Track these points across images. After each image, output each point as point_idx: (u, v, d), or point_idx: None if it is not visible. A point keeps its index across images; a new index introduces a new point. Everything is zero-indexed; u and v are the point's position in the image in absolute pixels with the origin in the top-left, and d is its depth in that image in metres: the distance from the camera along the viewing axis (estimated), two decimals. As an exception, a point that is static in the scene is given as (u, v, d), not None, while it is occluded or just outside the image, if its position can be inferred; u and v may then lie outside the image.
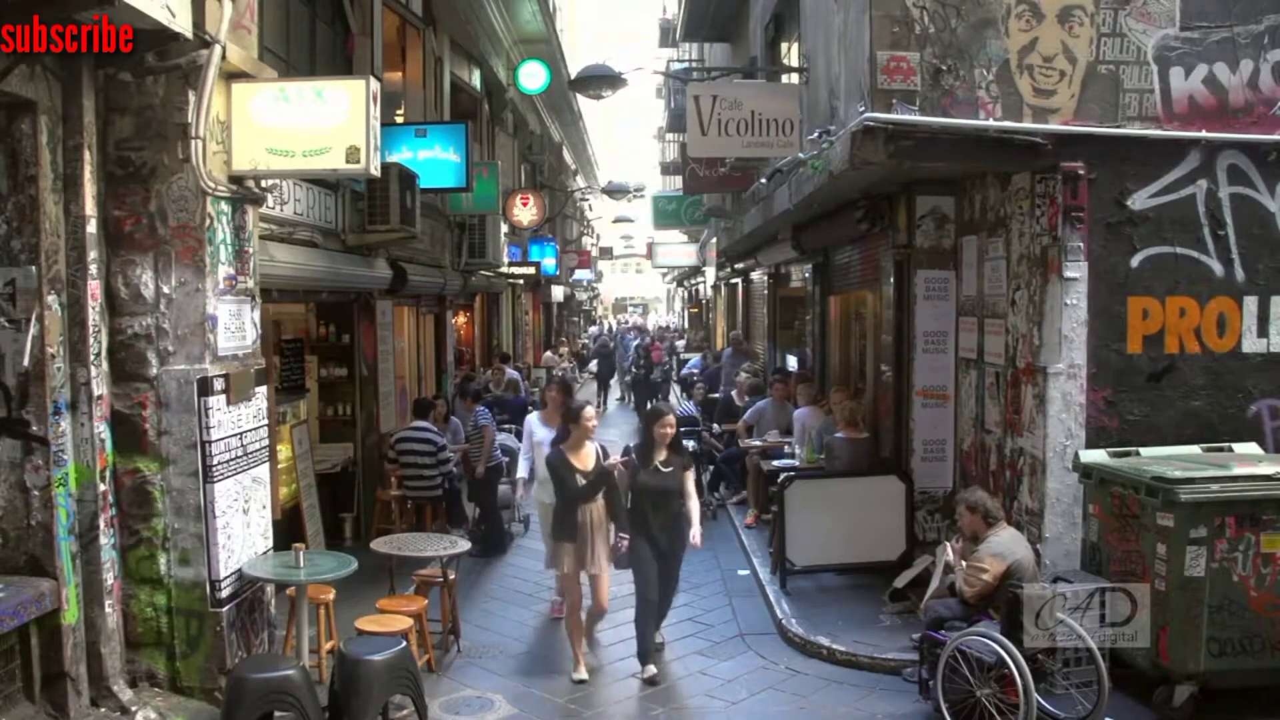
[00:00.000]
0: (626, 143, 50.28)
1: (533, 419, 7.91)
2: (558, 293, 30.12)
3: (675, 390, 21.16)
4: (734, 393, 12.98)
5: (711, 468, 11.40)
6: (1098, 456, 5.97)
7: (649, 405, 11.09)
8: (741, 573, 8.58)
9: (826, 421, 9.14)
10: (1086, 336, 6.17)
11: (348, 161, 5.35)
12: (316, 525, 8.56)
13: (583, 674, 6.26)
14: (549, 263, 21.63)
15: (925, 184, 7.55)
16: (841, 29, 7.29)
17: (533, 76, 15.21)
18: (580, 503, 6.25)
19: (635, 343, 23.69)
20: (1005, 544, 5.60)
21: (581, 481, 6.22)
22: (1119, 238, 6.21)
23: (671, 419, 6.47)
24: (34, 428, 4.79)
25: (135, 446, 5.22)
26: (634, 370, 20.81)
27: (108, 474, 5.10)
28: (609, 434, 18.37)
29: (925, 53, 6.25)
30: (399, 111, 11.39)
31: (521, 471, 7.96)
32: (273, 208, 6.94)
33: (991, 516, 5.69)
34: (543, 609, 7.77)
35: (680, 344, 27.63)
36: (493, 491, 9.66)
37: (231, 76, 5.28)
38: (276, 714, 4.81)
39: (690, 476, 6.60)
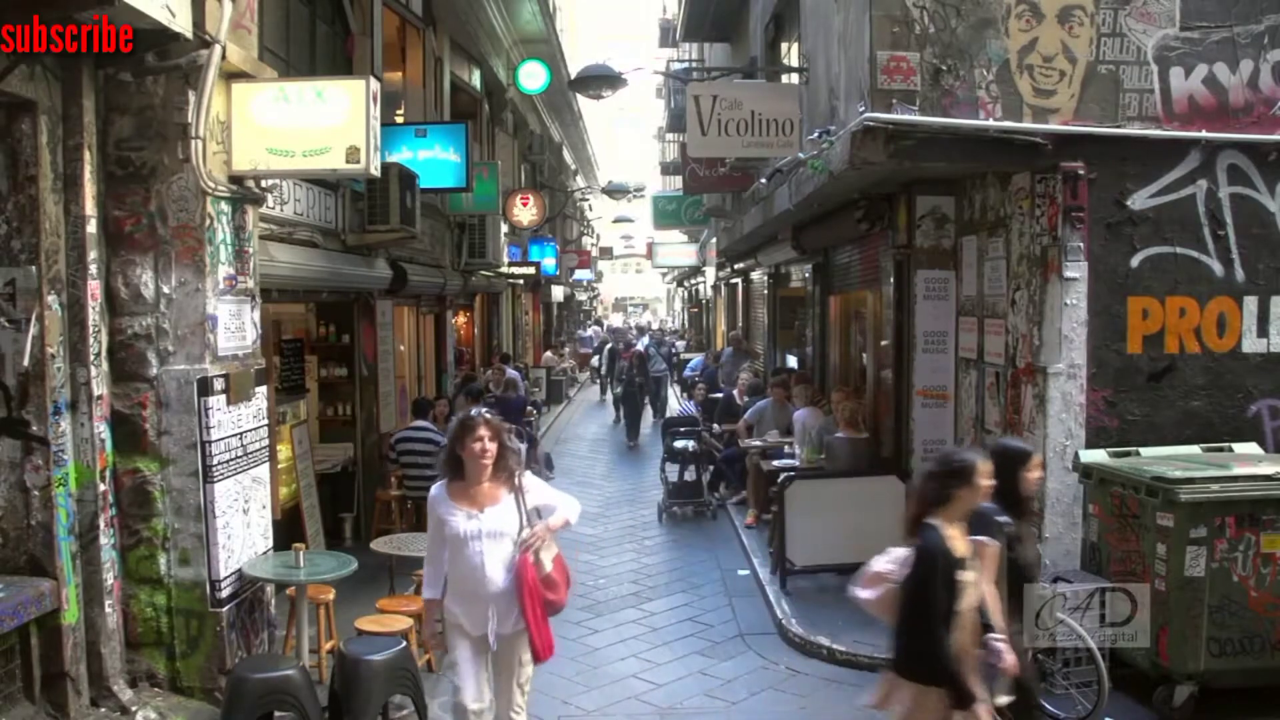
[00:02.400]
0: (626, 143, 50.26)
1: (437, 496, 4.44)
2: (558, 293, 30.14)
3: (675, 390, 21.13)
4: (734, 392, 13.00)
5: (711, 468, 11.40)
6: (1098, 456, 5.97)
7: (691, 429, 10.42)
8: (741, 573, 8.58)
9: (826, 421, 9.14)
10: (1086, 336, 6.17)
11: (348, 161, 5.35)
12: (316, 525, 8.55)
13: None
14: (549, 263, 21.63)
15: (925, 184, 7.55)
16: (841, 29, 7.29)
17: (533, 76, 15.23)
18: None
19: (609, 346, 21.25)
20: (1005, 544, 5.59)
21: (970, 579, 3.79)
22: (1119, 238, 6.21)
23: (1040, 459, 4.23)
24: (34, 428, 4.79)
25: (135, 446, 5.22)
26: (624, 379, 17.15)
27: (108, 474, 5.10)
28: (593, 426, 18.44)
29: (925, 53, 6.25)
30: (399, 111, 11.39)
31: (429, 590, 4.55)
32: (273, 208, 6.94)
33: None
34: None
35: (680, 345, 27.53)
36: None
37: (231, 76, 5.28)
38: (276, 714, 4.81)
39: None
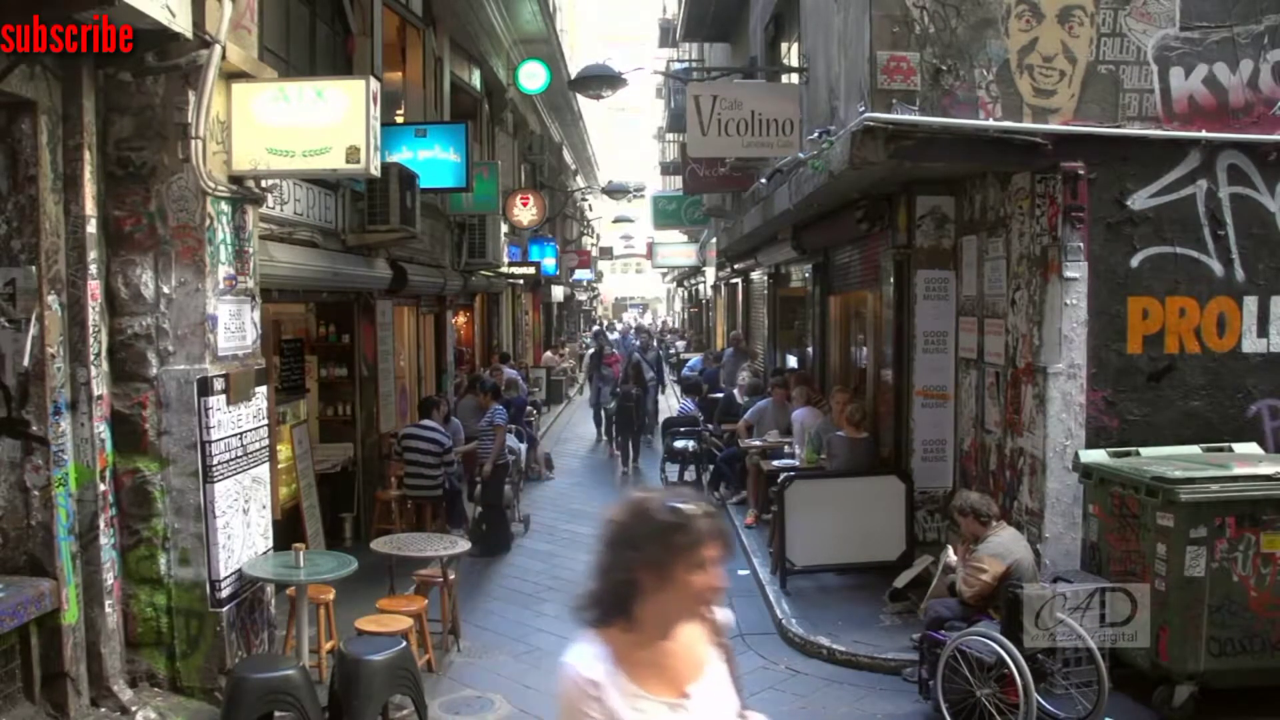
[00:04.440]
0: (626, 143, 50.27)
1: (590, 679, 2.10)
2: (558, 293, 30.10)
3: (675, 391, 21.11)
4: (734, 392, 13.00)
5: (711, 467, 11.40)
6: (1098, 456, 5.97)
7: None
8: (741, 573, 8.58)
9: (826, 421, 9.15)
10: (1086, 336, 6.17)
11: (348, 161, 5.35)
12: (316, 525, 8.55)
13: None
14: (549, 263, 21.61)
15: (925, 184, 7.55)
16: (841, 29, 7.29)
17: (533, 76, 15.23)
18: None
19: (591, 351, 19.38)
20: (1004, 544, 5.59)
21: None
22: (1119, 238, 6.21)
23: None
24: (34, 428, 4.79)
25: (135, 446, 5.22)
26: (618, 391, 14.75)
27: (108, 474, 5.10)
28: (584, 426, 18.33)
29: (925, 53, 6.25)
30: (399, 111, 11.39)
31: None
32: (273, 208, 6.94)
33: (983, 515, 5.69)
34: (543, 608, 7.74)
35: (680, 344, 27.41)
36: (499, 490, 9.67)
37: (231, 76, 5.28)
38: (276, 714, 4.81)
39: None
